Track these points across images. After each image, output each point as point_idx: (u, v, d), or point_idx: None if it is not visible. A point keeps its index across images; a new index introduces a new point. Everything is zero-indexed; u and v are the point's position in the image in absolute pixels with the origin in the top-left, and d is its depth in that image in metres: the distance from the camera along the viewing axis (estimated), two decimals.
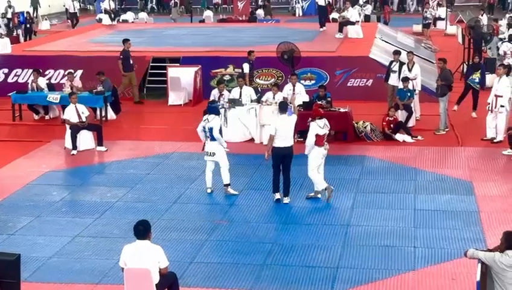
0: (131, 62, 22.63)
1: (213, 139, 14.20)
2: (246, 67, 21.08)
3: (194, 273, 11.08)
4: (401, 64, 20.27)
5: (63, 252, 11.97)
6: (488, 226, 12.66)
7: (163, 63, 24.09)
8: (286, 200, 13.95)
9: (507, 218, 13.03)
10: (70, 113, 17.90)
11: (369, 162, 16.60)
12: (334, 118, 18.19)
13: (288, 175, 13.95)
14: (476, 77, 20.37)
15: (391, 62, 20.69)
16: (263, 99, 18.94)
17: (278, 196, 14.01)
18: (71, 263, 11.54)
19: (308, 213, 13.52)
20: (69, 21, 41.52)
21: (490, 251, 8.99)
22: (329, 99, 18.61)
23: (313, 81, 22.95)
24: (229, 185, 14.50)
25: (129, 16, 39.77)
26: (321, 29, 29.78)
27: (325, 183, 14.09)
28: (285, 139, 13.72)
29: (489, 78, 22.78)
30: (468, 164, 16.29)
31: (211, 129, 14.09)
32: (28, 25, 36.25)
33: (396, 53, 20.74)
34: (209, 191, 14.57)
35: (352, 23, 28.18)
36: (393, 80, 20.29)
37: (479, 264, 8.84)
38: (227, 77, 23.14)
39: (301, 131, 18.23)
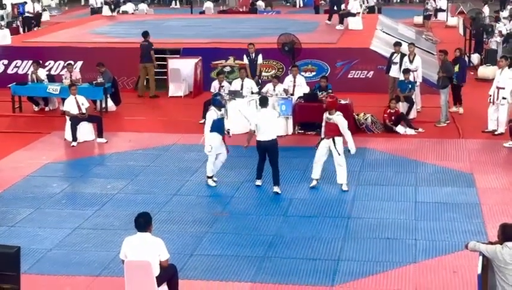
0: (149, 53, 22.64)
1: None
2: (245, 59, 21.02)
3: (194, 265, 11.06)
4: (402, 56, 20.21)
5: (63, 244, 11.95)
6: (489, 219, 12.63)
7: (164, 55, 24.02)
8: (276, 188, 14.06)
9: (508, 210, 13.00)
10: (70, 105, 17.86)
11: (369, 154, 16.56)
12: None
13: (275, 167, 14.08)
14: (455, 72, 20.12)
15: (392, 54, 20.64)
16: (263, 90, 18.90)
17: (258, 182, 14.39)
18: (71, 255, 11.52)
19: (309, 205, 13.49)
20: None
21: (491, 243, 8.97)
22: (330, 91, 18.56)
23: (313, 73, 22.90)
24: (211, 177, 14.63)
25: (129, 7, 39.67)
26: (327, 22, 29.11)
27: (316, 175, 14.28)
28: (266, 133, 13.89)
29: (491, 70, 22.75)
30: (469, 156, 16.26)
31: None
32: (30, 16, 35.92)
33: (397, 44, 20.68)
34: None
35: (353, 15, 28.07)
36: (394, 72, 20.24)
37: (480, 257, 8.81)
38: (227, 69, 23.08)
39: (302, 123, 18.28)
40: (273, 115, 14.42)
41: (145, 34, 23.13)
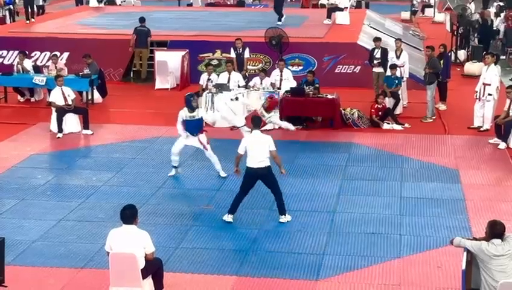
0: (146, 38, 23.32)
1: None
2: (232, 53, 20.99)
3: (179, 258, 11.05)
4: (384, 50, 20.20)
5: (48, 235, 11.90)
6: (474, 215, 12.69)
7: (151, 47, 23.94)
8: (283, 219, 12.42)
9: (493, 206, 13.07)
10: (56, 96, 17.78)
11: (355, 149, 16.59)
12: (322, 105, 18.26)
13: (279, 196, 12.40)
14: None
15: (373, 49, 20.60)
16: (250, 84, 18.92)
17: (229, 218, 12.35)
18: (56, 246, 11.48)
19: (294, 199, 13.49)
20: None
21: (475, 239, 9.01)
22: (317, 85, 18.60)
23: (300, 67, 22.91)
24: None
25: None
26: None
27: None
28: (257, 158, 12.03)
29: (477, 66, 22.83)
30: (455, 152, 16.32)
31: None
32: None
33: (377, 40, 20.66)
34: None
35: (341, 10, 28.07)
36: (377, 67, 20.25)
37: (465, 253, 8.86)
38: (214, 62, 23.04)
39: (288, 117, 18.27)
40: (267, 140, 12.16)
41: (142, 20, 23.62)
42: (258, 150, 12.05)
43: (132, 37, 23.43)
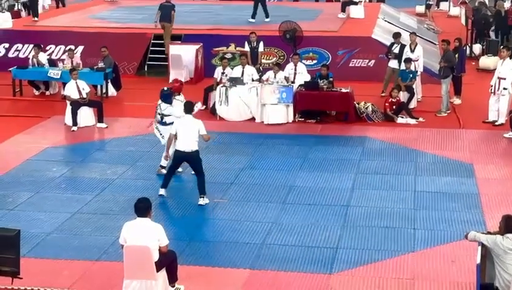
0: (170, 14, 23.44)
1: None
2: (246, 46, 20.98)
3: (193, 251, 11.09)
4: (402, 46, 20.14)
5: (63, 228, 11.97)
6: (488, 209, 12.65)
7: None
8: (201, 201, 12.94)
9: (507, 201, 13.02)
10: (71, 90, 17.84)
11: (369, 143, 16.56)
12: (336, 99, 18.24)
13: (201, 175, 13.02)
14: None
15: (392, 44, 20.54)
16: (264, 78, 18.90)
17: (162, 192, 13.16)
18: (70, 239, 11.54)
19: (308, 193, 13.49)
20: None
21: (490, 233, 8.99)
22: (331, 79, 18.57)
23: (314, 61, 22.86)
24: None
25: None
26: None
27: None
28: (186, 142, 12.74)
29: (493, 60, 22.70)
30: (469, 146, 16.26)
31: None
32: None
33: (397, 36, 20.59)
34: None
35: (355, 3, 27.98)
36: (393, 63, 20.19)
37: (479, 247, 8.84)
38: (228, 56, 23.04)
39: (302, 111, 18.27)
40: (197, 124, 12.89)
41: None
42: (188, 134, 12.75)
43: (157, 12, 23.59)
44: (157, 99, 14.65)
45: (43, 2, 32.38)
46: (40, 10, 28.97)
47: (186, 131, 12.80)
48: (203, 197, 12.96)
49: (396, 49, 20.21)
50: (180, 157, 13.03)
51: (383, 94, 19.94)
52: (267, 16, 25.96)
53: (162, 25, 23.48)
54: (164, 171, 14.04)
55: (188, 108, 13.06)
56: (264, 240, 11.49)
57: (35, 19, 27.06)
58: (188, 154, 12.86)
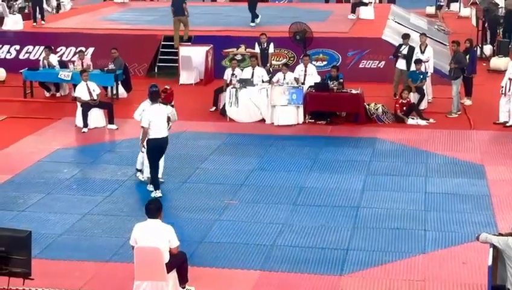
0: (182, 7, 23.62)
1: None
2: (257, 48, 21.00)
3: (203, 253, 11.09)
4: (410, 48, 20.08)
5: (73, 229, 12.00)
6: (499, 210, 12.61)
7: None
8: (151, 187, 13.37)
9: None
10: (82, 91, 17.90)
11: (380, 144, 16.54)
12: (346, 100, 18.23)
13: (162, 162, 13.58)
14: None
15: (400, 45, 20.48)
16: (274, 79, 18.90)
17: (158, 193, 13.16)
18: (81, 240, 11.57)
19: (318, 195, 13.48)
20: None
21: (501, 235, 8.96)
22: (341, 80, 18.57)
23: (324, 62, 22.85)
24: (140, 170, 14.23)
25: None
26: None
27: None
28: (161, 129, 13.10)
29: (503, 61, 22.63)
30: (480, 148, 16.21)
31: None
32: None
33: (406, 37, 20.54)
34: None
35: (365, 4, 27.94)
36: (401, 64, 20.14)
37: (491, 249, 8.81)
38: (238, 57, 23.05)
39: (313, 112, 18.27)
40: (165, 110, 13.36)
41: None
42: (160, 121, 13.06)
43: (171, 9, 23.82)
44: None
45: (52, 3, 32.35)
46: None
47: (159, 119, 13.07)
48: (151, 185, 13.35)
49: (404, 50, 20.17)
50: (157, 146, 13.17)
51: (396, 96, 19.85)
52: (252, 20, 25.81)
53: (178, 19, 23.58)
54: (141, 175, 14.06)
55: (155, 97, 13.31)
56: (274, 242, 11.49)
57: (43, 22, 26.91)
58: (164, 140, 13.19)
